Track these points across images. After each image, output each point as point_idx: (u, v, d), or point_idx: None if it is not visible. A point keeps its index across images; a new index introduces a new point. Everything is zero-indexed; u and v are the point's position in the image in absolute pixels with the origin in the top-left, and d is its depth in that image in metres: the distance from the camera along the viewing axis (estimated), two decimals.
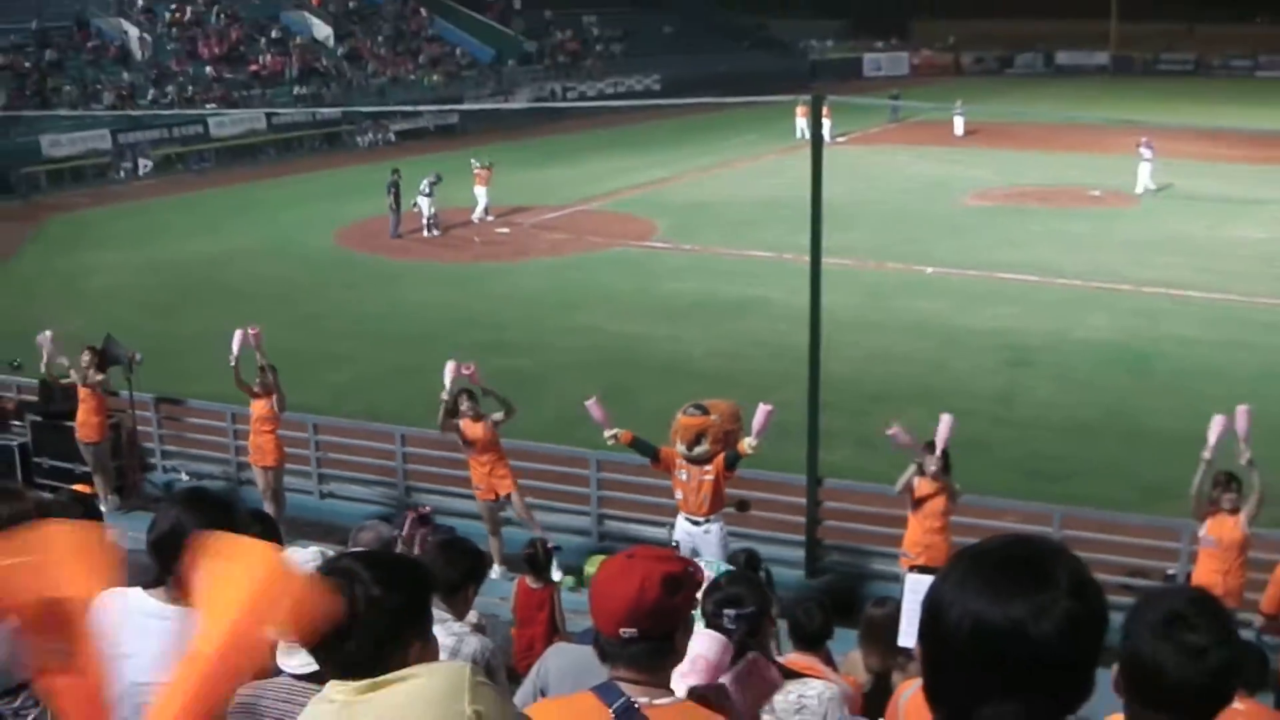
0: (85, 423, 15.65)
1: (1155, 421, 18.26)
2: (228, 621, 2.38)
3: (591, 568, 12.57)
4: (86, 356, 15.61)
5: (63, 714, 2.42)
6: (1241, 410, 10.81)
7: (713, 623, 4.69)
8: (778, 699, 3.59)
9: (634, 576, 3.21)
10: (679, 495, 12.32)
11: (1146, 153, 35.79)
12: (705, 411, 12.12)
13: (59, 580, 2.44)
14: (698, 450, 12.06)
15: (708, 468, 12.10)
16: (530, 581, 10.34)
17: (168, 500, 4.26)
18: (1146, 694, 2.67)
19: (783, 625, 6.57)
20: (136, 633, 3.74)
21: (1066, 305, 24.08)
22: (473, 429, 13.87)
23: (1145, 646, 2.66)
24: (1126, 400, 19.28)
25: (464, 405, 13.86)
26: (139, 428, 16.79)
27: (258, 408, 15.05)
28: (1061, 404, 19.19)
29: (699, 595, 3.94)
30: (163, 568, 3.95)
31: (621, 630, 3.22)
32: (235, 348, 14.91)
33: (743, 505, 13.58)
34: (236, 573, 2.45)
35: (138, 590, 3.98)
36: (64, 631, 2.43)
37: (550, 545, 10.90)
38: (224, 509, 4.14)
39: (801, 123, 44.57)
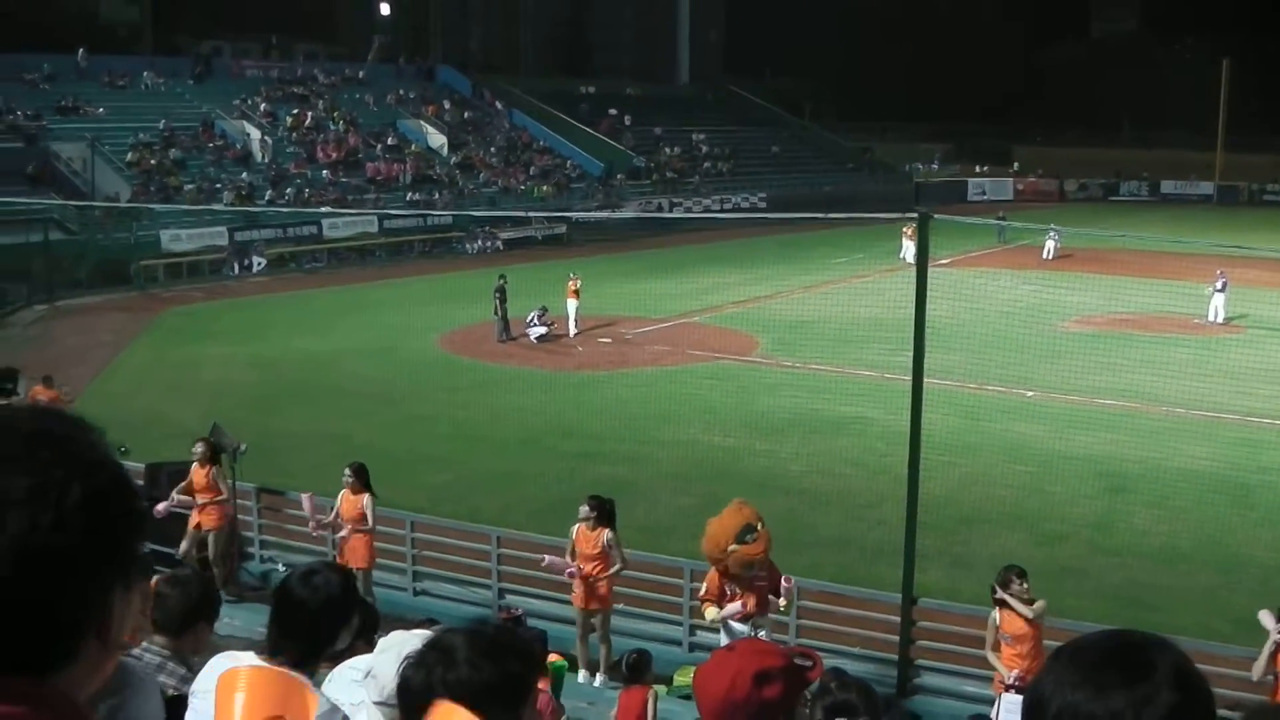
0: (206, 510, 16.09)
1: (1253, 553, 18.03)
2: None
3: (684, 678, 12.66)
4: (200, 448, 16.07)
5: None
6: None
7: None
8: None
9: (727, 670, 3.10)
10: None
11: (1221, 284, 36.37)
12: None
13: None
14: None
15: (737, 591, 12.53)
16: (630, 684, 10.88)
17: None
18: None
19: None
20: None
21: (1167, 433, 23.79)
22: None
23: None
24: (1225, 531, 18.96)
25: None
26: (240, 517, 17.18)
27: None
28: (1159, 532, 18.96)
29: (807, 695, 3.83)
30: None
31: None
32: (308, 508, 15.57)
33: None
34: None
35: (249, 654, 4.02)
36: None
37: (640, 653, 11.25)
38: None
39: (909, 245, 44.47)
